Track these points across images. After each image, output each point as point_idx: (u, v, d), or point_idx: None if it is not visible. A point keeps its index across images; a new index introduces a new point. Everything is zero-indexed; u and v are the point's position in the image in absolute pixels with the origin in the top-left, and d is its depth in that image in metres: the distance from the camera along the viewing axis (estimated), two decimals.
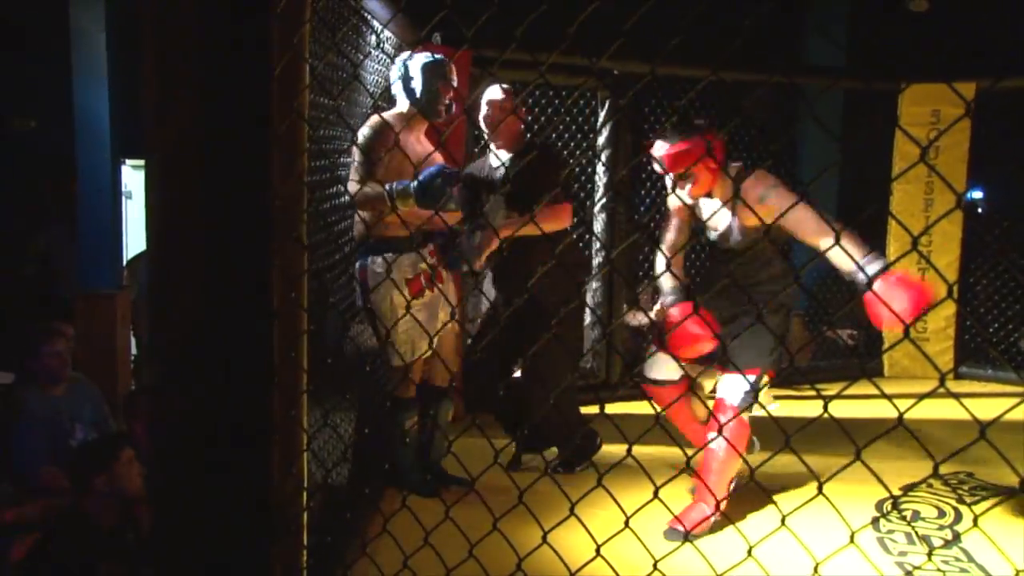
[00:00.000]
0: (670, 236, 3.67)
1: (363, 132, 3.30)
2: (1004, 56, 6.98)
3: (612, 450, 3.98)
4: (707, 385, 3.74)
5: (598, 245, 5.40)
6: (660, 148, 3.26)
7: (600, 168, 5.36)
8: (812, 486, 1.51)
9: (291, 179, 1.57)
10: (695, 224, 3.62)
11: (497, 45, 4.00)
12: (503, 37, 1.58)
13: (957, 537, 3.34)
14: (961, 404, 1.12)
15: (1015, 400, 1.32)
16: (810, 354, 6.53)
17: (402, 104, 3.49)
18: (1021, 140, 5.85)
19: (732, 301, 3.48)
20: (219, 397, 1.54)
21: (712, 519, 3.19)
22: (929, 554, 3.23)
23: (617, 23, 1.48)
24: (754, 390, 3.28)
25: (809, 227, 3.15)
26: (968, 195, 9.07)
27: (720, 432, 3.05)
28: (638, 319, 5.69)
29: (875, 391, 1.27)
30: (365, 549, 1.86)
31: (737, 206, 3.28)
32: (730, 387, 3.36)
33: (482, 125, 3.80)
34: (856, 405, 4.04)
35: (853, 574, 2.28)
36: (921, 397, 1.20)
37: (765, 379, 3.38)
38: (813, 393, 5.61)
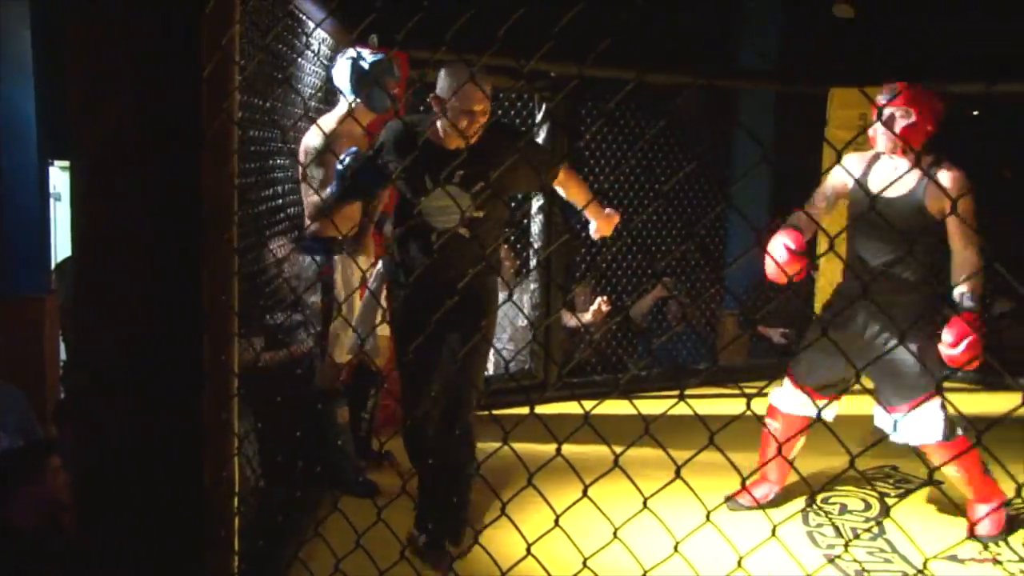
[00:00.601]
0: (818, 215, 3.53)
1: (311, 144, 3.37)
2: (927, 61, 7.19)
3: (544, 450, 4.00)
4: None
5: (535, 246, 5.43)
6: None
7: None
8: (738, 482, 1.54)
9: (221, 181, 1.56)
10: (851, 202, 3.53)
11: (432, 48, 4.00)
12: (440, 40, 1.59)
13: (882, 529, 3.43)
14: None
15: (952, 395, 1.37)
16: (747, 352, 6.66)
17: (343, 102, 3.57)
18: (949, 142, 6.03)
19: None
20: (148, 402, 1.53)
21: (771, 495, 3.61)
22: (846, 545, 3.31)
23: (554, 25, 1.50)
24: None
25: (967, 235, 3.24)
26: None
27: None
28: (573, 320, 5.74)
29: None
30: (298, 554, 1.85)
31: (929, 187, 3.26)
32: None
33: (454, 127, 3.17)
34: None
35: (781, 567, 2.33)
36: (836, 396, 1.23)
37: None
38: (738, 391, 5.72)
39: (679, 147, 6.00)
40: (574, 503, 1.46)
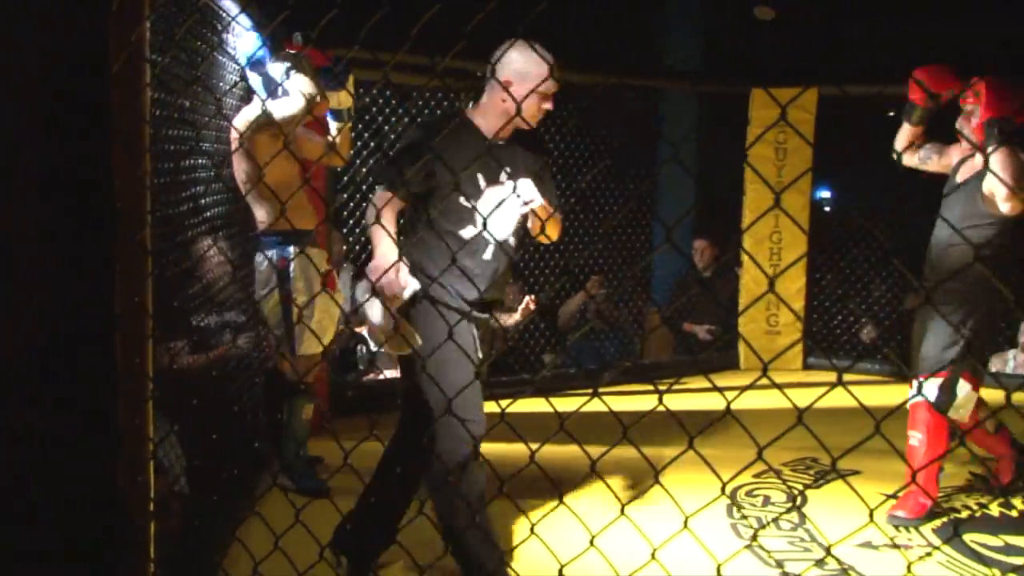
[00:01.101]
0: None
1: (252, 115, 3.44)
2: (845, 64, 7.40)
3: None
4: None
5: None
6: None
7: None
8: (651, 476, 1.57)
9: (133, 180, 1.54)
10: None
11: (355, 45, 3.99)
12: (362, 37, 1.59)
13: (802, 519, 3.53)
14: (783, 393, 1.19)
15: (864, 387, 1.41)
16: (673, 349, 6.76)
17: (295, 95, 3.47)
18: (865, 143, 6.22)
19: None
20: (61, 408, 1.50)
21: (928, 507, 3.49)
22: (755, 535, 3.40)
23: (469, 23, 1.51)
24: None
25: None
26: (816, 194, 9.54)
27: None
28: (507, 319, 5.76)
29: (735, 383, 1.34)
30: (216, 558, 1.83)
31: (988, 176, 3.37)
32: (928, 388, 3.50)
33: (523, 113, 2.54)
34: (709, 397, 4.21)
35: (704, 560, 2.37)
36: (743, 389, 1.27)
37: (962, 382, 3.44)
38: (664, 387, 5.80)
39: (605, 149, 6.06)
40: (490, 500, 1.47)
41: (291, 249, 3.52)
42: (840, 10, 7.40)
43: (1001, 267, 3.54)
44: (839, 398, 1.37)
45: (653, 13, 7.46)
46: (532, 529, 1.42)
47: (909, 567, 1.23)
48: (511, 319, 5.66)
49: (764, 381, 1.28)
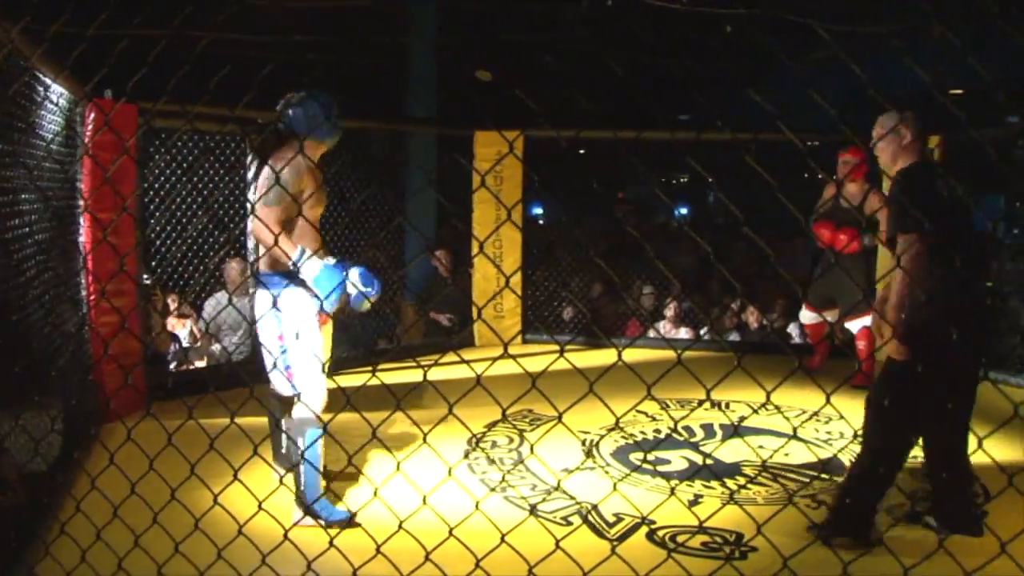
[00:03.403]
0: None
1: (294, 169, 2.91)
2: (540, 113, 7.93)
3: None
4: None
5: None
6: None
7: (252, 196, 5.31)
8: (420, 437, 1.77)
9: None
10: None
11: (157, 99, 3.87)
12: (164, 91, 1.68)
13: (520, 456, 3.86)
14: (516, 361, 1.44)
15: (570, 354, 1.66)
16: (423, 334, 6.97)
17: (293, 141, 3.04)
18: (561, 174, 6.82)
19: None
20: None
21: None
22: (491, 463, 3.69)
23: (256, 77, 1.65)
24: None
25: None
26: (531, 210, 10.08)
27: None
28: None
29: (473, 357, 1.57)
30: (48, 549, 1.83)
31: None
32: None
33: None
34: (456, 369, 4.46)
35: (452, 494, 2.59)
36: (495, 359, 1.50)
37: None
38: (428, 362, 6.02)
39: (367, 180, 6.17)
40: (291, 467, 1.60)
41: (298, 290, 2.97)
42: (541, 73, 7.94)
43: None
44: (538, 363, 1.62)
45: (397, 73, 7.65)
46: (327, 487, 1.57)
47: (615, 486, 1.52)
48: None
49: (495, 352, 1.51)
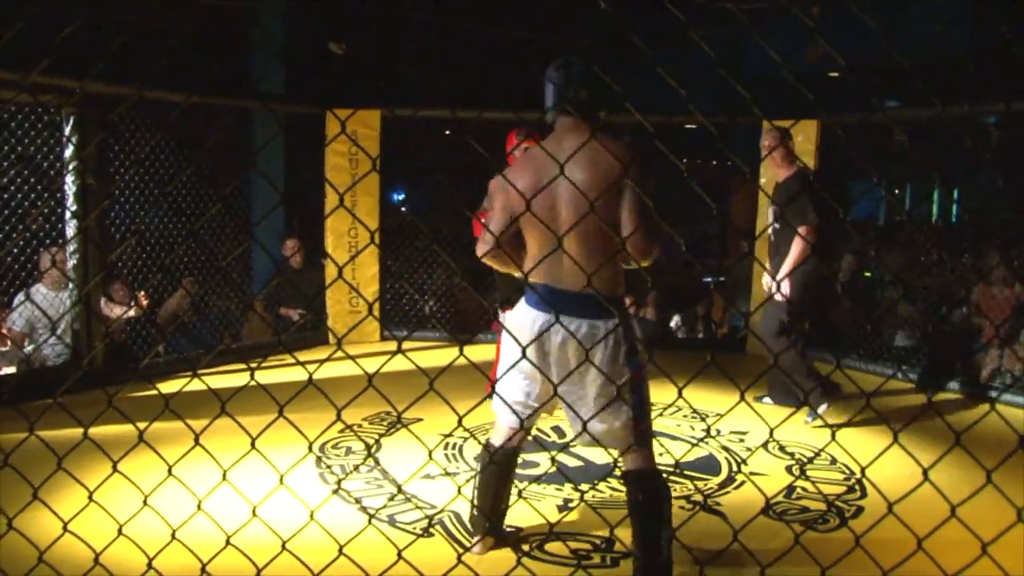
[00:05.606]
0: None
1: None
2: (405, 91, 7.82)
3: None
4: None
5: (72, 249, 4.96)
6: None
7: (69, 178, 4.91)
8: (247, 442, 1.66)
9: None
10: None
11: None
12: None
13: (376, 462, 3.76)
14: (355, 361, 1.36)
15: (425, 352, 1.60)
16: (271, 332, 6.71)
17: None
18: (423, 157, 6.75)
19: None
20: None
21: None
22: (339, 483, 3.58)
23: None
24: None
25: None
26: (392, 197, 9.95)
27: None
28: (115, 311, 5.35)
29: (323, 357, 1.47)
30: None
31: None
32: None
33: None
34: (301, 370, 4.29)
35: (296, 507, 2.47)
36: (324, 361, 1.41)
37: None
38: (275, 363, 5.80)
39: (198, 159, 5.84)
40: (106, 479, 1.47)
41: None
42: (398, 48, 7.80)
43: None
44: (407, 362, 1.56)
45: (241, 46, 7.30)
46: (145, 501, 1.45)
47: (459, 490, 1.47)
48: (126, 312, 5.31)
49: (352, 351, 1.43)
